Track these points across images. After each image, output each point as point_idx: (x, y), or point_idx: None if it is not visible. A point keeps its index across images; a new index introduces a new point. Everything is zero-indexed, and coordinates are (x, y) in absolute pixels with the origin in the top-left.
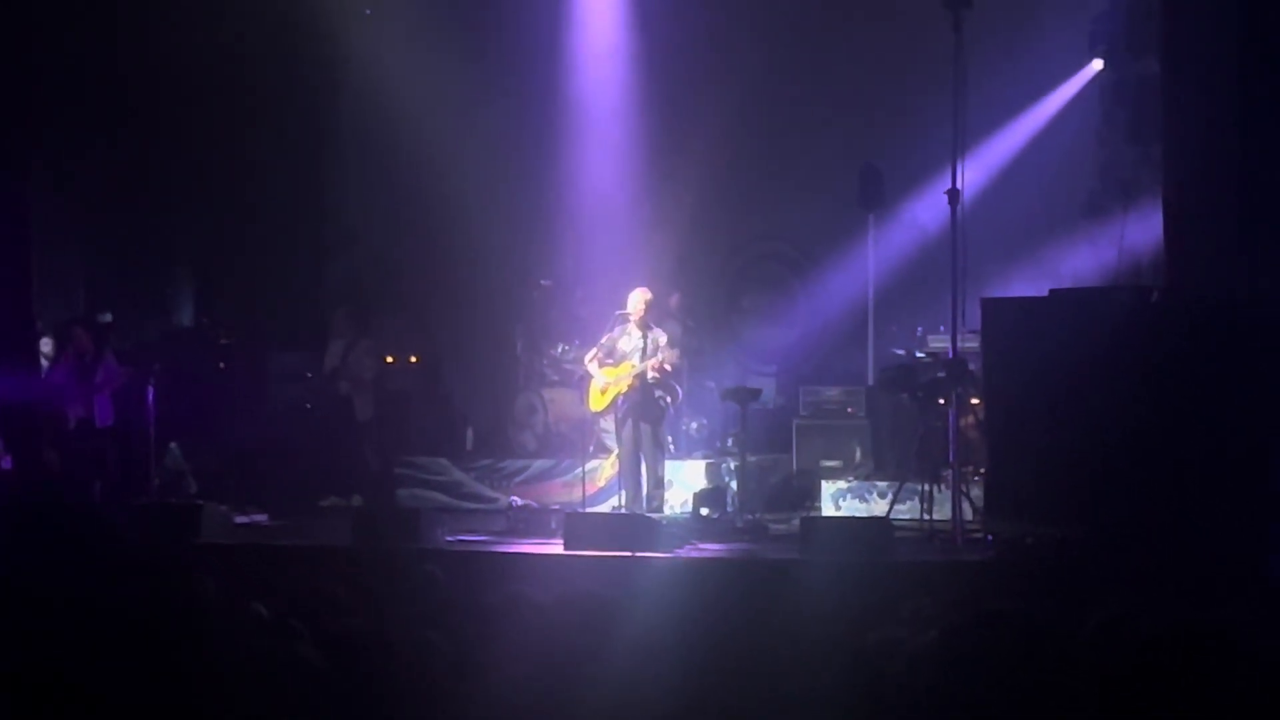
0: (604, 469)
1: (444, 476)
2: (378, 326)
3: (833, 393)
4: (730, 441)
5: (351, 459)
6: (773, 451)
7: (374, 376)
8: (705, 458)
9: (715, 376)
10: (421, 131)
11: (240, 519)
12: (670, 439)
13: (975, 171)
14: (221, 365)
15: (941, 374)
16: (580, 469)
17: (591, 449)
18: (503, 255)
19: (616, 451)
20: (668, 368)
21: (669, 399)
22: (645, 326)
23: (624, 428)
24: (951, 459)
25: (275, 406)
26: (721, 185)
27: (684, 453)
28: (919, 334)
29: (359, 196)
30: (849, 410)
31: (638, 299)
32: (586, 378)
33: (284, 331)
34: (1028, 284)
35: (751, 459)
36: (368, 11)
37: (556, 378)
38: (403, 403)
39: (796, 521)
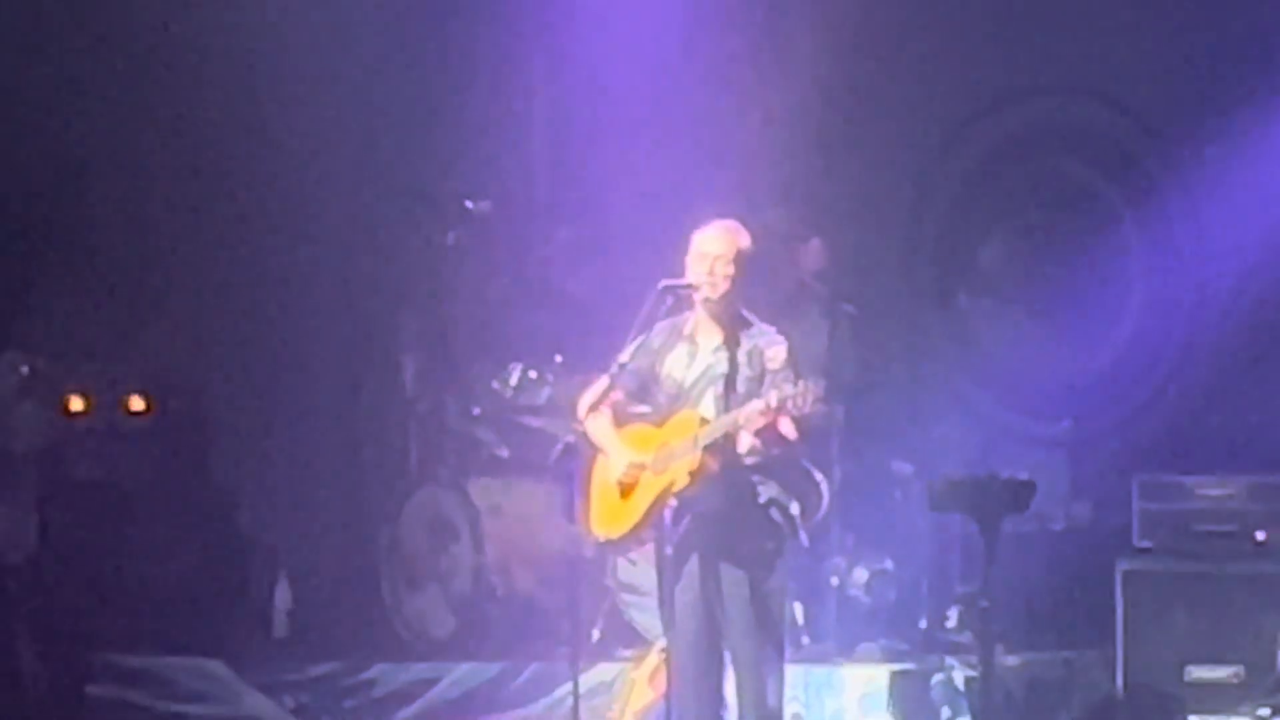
0: (630, 687)
1: (210, 707)
2: (36, 321)
3: (1217, 491)
4: (955, 617)
5: None
6: (1065, 643)
7: (37, 448)
8: (889, 658)
9: (915, 446)
10: None
11: None
12: (799, 609)
13: None
14: None
15: None
16: (569, 686)
17: (597, 636)
18: (376, 173)
19: (660, 645)
20: (787, 433)
21: (794, 505)
22: (732, 319)
23: (681, 582)
24: None
25: None
26: None
27: (836, 643)
28: None
29: None
30: (1258, 538)
31: (718, 247)
32: (582, 452)
33: None
34: None
35: (1011, 660)
36: None
37: (504, 450)
38: (105, 519)
39: None
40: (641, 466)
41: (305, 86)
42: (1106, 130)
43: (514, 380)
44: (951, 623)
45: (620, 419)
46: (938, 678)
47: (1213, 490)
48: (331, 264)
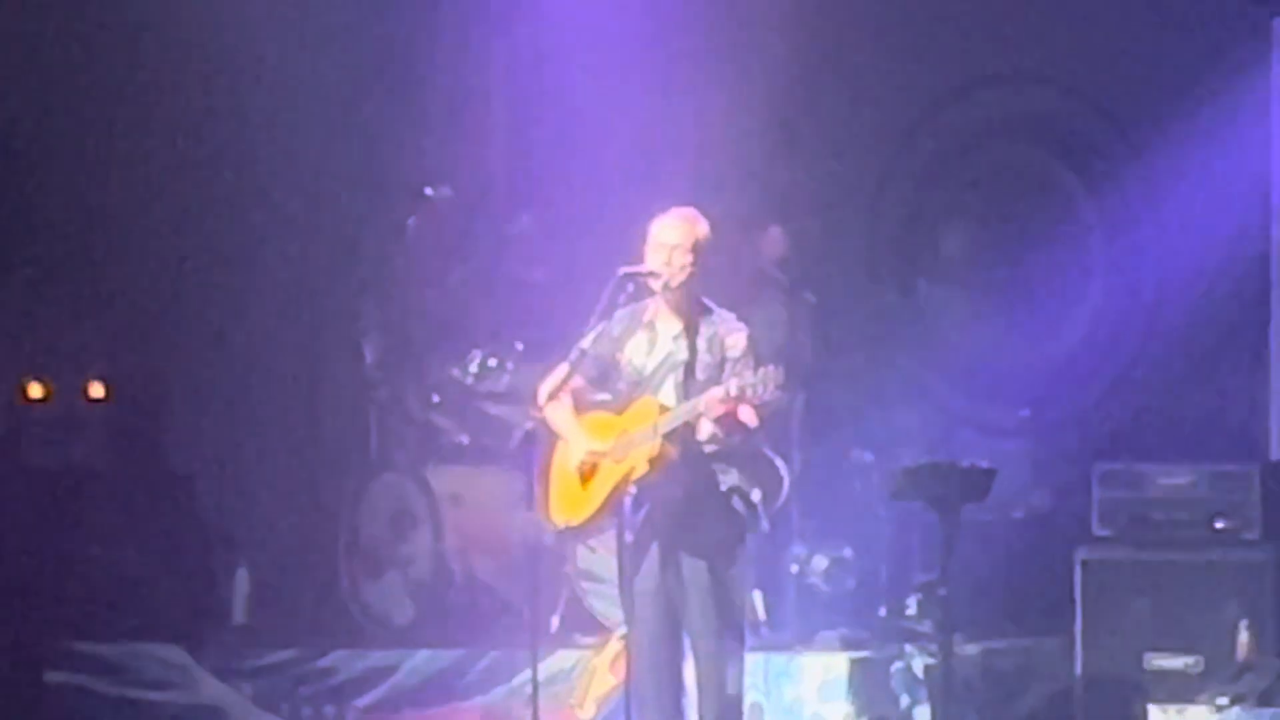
0: (591, 674)
1: (169, 694)
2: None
3: (1178, 481)
4: (915, 604)
5: None
6: (1024, 631)
7: None
8: (849, 646)
9: (875, 434)
10: None
11: None
12: (759, 597)
13: None
14: None
15: None
16: (528, 674)
17: (556, 623)
18: (336, 160)
19: (620, 633)
20: (747, 420)
21: (755, 492)
22: (692, 307)
23: (641, 570)
24: None
25: None
26: None
27: (795, 632)
28: None
29: None
30: (1217, 527)
31: (675, 236)
32: (542, 439)
33: None
34: None
35: (970, 648)
36: None
37: (464, 437)
38: (64, 506)
39: None
40: (601, 454)
41: (264, 74)
42: (1067, 119)
43: (474, 367)
44: (911, 611)
45: (580, 406)
46: (897, 666)
47: (1172, 479)
48: (291, 250)
